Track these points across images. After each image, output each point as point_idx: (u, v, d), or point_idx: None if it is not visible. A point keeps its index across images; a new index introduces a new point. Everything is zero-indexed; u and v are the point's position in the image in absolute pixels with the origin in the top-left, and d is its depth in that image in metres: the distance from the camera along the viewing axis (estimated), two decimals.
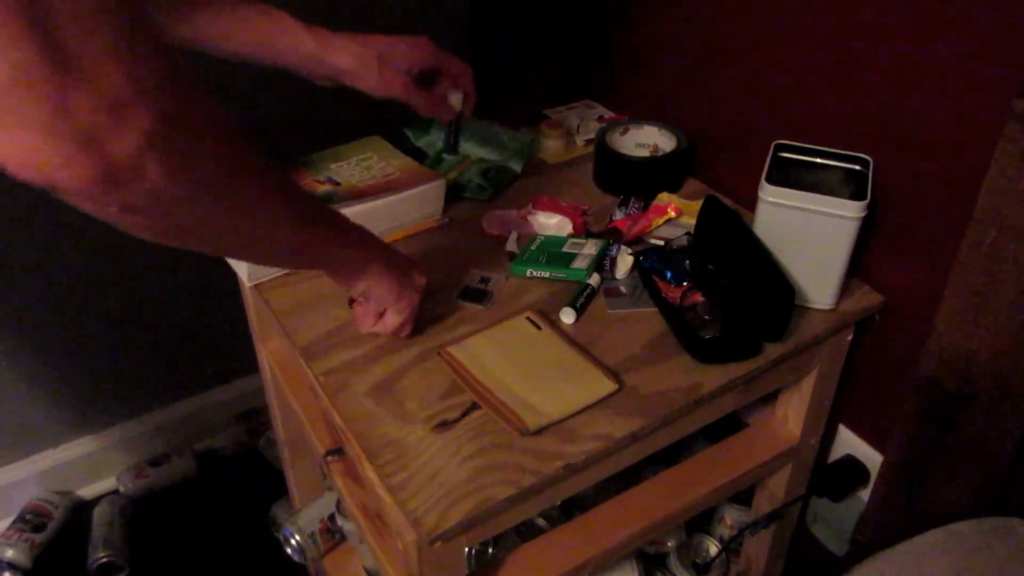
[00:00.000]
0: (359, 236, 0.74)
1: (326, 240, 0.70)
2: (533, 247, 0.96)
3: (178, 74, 0.45)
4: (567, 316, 0.86)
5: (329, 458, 0.93)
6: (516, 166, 1.11)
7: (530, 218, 1.01)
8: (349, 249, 0.73)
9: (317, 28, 0.88)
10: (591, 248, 0.94)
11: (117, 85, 0.41)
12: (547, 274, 0.92)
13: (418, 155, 1.15)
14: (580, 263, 0.92)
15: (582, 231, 1.00)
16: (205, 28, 0.85)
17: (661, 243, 0.96)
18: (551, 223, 1.01)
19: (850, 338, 0.94)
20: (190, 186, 0.49)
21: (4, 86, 0.38)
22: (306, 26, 0.87)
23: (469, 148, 1.15)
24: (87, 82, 0.40)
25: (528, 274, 0.92)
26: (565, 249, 0.95)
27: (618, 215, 1.01)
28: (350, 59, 0.87)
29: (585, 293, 0.89)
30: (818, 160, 0.88)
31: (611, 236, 0.98)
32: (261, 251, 0.66)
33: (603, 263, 0.93)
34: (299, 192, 0.72)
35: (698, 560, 1.20)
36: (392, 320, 0.80)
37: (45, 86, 0.39)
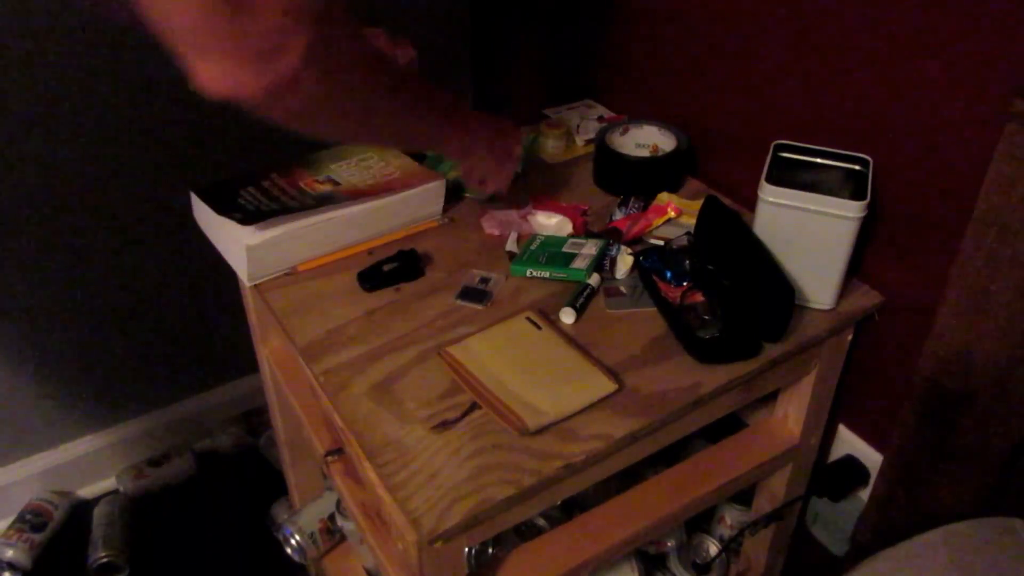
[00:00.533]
0: (465, 125, 0.86)
1: (439, 129, 0.83)
2: (533, 247, 0.96)
3: (326, 9, 0.56)
4: (567, 316, 0.86)
5: (329, 458, 0.93)
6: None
7: (530, 218, 1.01)
8: (455, 136, 0.86)
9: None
10: (591, 248, 0.94)
11: (279, 17, 0.52)
12: (547, 274, 0.92)
13: (418, 154, 1.15)
14: (580, 263, 0.92)
15: (582, 231, 1.00)
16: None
17: (661, 243, 0.96)
18: (551, 223, 1.01)
19: (850, 338, 0.94)
20: (336, 91, 0.61)
21: (197, 23, 0.51)
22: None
23: None
24: (257, 16, 0.51)
25: (528, 274, 0.92)
26: (565, 249, 0.95)
27: (618, 215, 1.01)
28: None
29: (585, 293, 0.89)
30: (818, 160, 0.88)
31: (611, 236, 0.98)
32: (385, 137, 0.82)
33: (603, 263, 0.93)
34: (421, 93, 0.79)
35: (698, 560, 1.20)
36: (491, 187, 0.97)
37: (226, 22, 0.51)
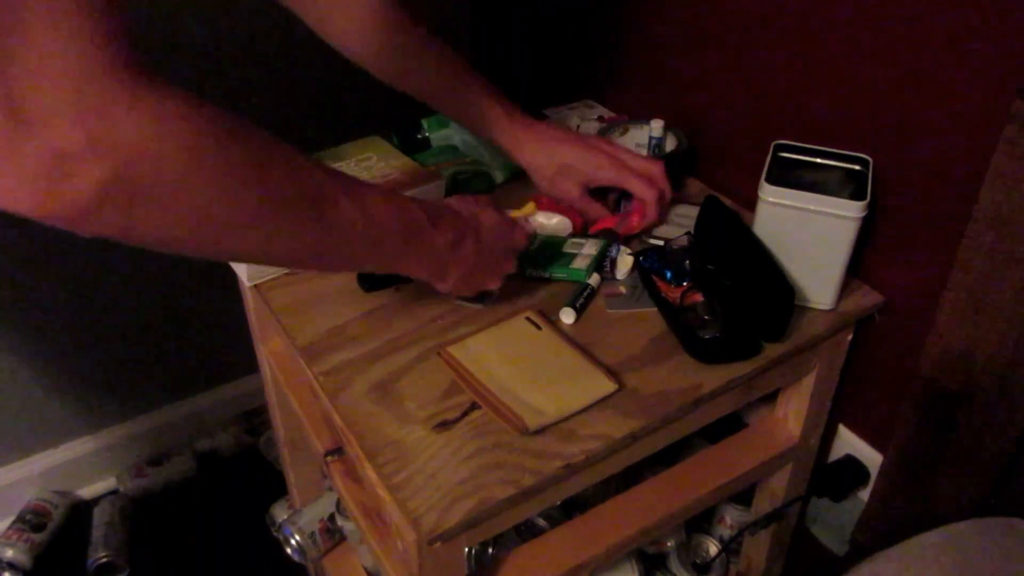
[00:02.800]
0: (430, 242, 0.71)
1: (395, 250, 0.68)
2: (533, 247, 0.96)
3: (152, 134, 0.45)
4: (567, 316, 0.86)
5: (329, 458, 0.93)
6: (500, 175, 1.11)
7: (530, 218, 1.01)
8: (419, 256, 0.71)
9: (515, 118, 0.94)
10: (591, 248, 0.94)
11: (65, 140, 0.41)
12: (547, 274, 0.92)
13: (421, 145, 1.15)
14: (580, 263, 0.92)
15: (581, 230, 1.00)
16: (417, 81, 0.92)
17: (661, 243, 0.96)
18: (551, 223, 1.01)
19: (850, 338, 0.94)
20: (164, 231, 0.49)
21: None
22: (508, 114, 0.93)
23: (464, 147, 1.15)
24: (34, 131, 0.41)
25: (528, 274, 0.92)
26: (565, 249, 0.95)
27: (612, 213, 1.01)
28: (530, 163, 0.95)
29: (585, 293, 0.89)
30: (818, 160, 0.88)
31: (608, 237, 0.98)
32: (290, 259, 0.65)
33: (603, 263, 0.93)
34: (338, 198, 0.62)
35: (698, 560, 1.20)
36: (492, 283, 0.82)
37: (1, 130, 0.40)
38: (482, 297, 0.89)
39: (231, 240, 0.54)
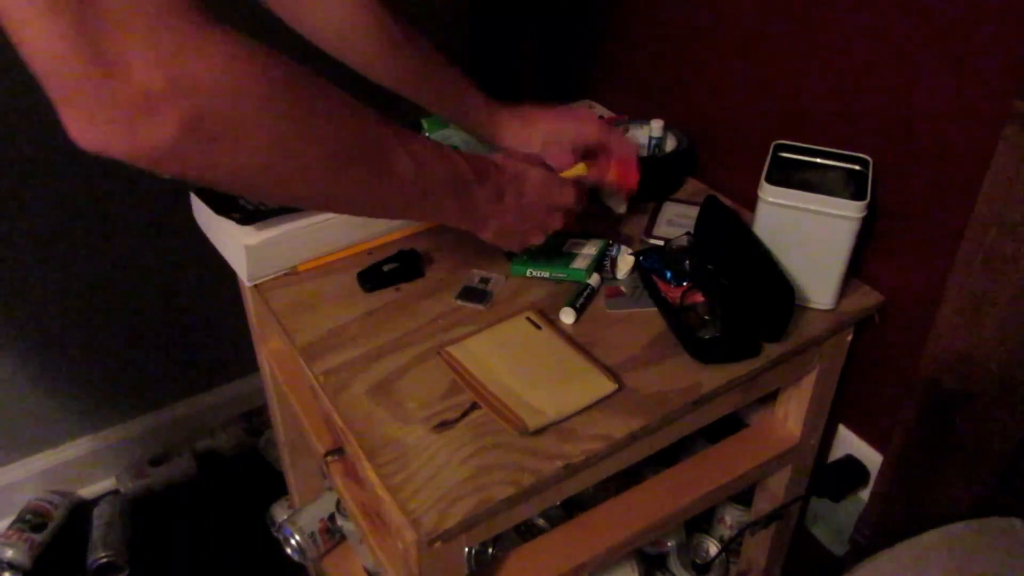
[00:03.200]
0: (467, 175, 0.72)
1: (416, 197, 0.69)
2: (533, 246, 0.96)
3: (227, 72, 0.47)
4: (567, 316, 0.86)
5: (329, 458, 0.93)
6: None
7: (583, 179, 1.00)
8: (448, 200, 0.72)
9: (493, 103, 0.92)
10: (591, 248, 0.94)
11: (148, 81, 0.44)
12: (547, 274, 0.92)
13: None
14: (580, 263, 0.92)
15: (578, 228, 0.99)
16: (396, 71, 0.90)
17: (661, 243, 0.96)
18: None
19: (850, 338, 0.94)
20: (240, 167, 0.52)
21: (54, 71, 0.43)
22: (485, 100, 0.92)
23: (465, 147, 1.15)
24: (119, 76, 0.43)
25: (528, 274, 0.92)
26: (565, 249, 0.95)
27: None
28: (515, 141, 0.93)
29: (585, 293, 0.89)
30: (818, 160, 0.88)
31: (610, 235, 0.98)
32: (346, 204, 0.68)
33: (603, 263, 0.93)
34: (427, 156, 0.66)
35: (698, 560, 1.20)
36: (536, 238, 0.83)
37: (83, 78, 0.43)
38: (482, 297, 0.89)
39: (300, 180, 0.57)
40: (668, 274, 0.90)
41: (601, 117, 1.24)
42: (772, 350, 0.83)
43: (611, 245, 0.94)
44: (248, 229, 0.89)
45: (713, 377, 0.80)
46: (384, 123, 0.62)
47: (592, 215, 1.04)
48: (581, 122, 0.93)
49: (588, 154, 0.94)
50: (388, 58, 0.89)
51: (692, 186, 1.12)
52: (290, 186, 0.57)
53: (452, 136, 1.18)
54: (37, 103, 1.23)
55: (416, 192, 0.67)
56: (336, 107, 0.58)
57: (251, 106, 0.50)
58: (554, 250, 0.95)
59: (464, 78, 0.92)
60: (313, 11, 0.87)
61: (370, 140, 0.61)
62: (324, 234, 0.94)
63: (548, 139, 0.92)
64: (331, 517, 1.17)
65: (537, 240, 0.83)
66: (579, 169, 0.90)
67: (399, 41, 0.89)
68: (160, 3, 0.44)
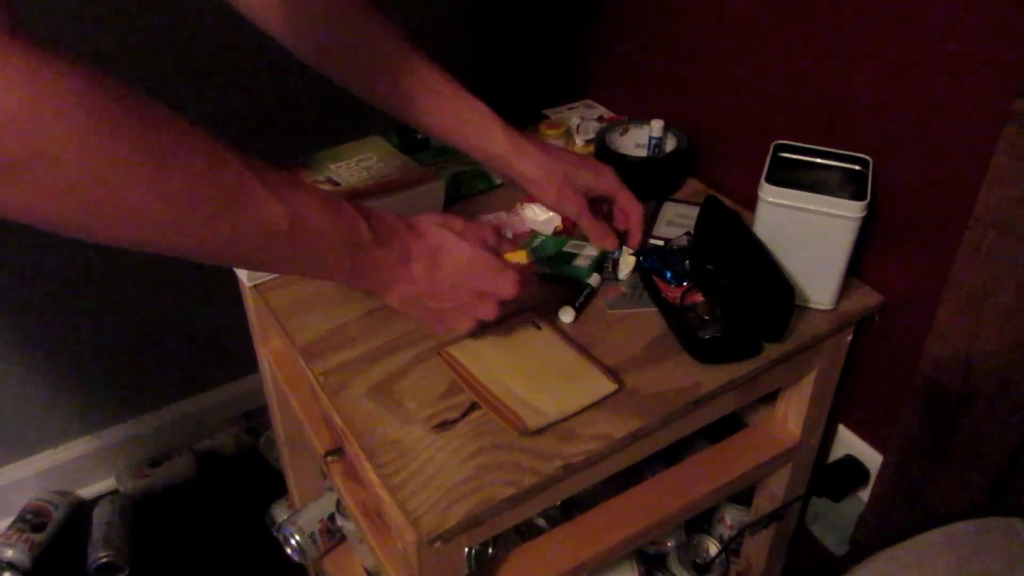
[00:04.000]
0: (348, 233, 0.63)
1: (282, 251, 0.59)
2: (534, 244, 0.96)
3: (21, 98, 0.41)
4: (566, 315, 0.86)
5: (329, 458, 0.93)
6: (497, 177, 1.11)
7: (520, 210, 1.01)
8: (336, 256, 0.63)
9: (512, 130, 0.86)
10: (592, 250, 0.94)
11: None
12: (547, 270, 0.92)
13: (421, 145, 1.14)
14: (581, 262, 0.92)
15: (571, 229, 0.99)
16: (401, 100, 0.84)
17: (661, 243, 0.96)
18: (540, 219, 1.00)
19: (850, 338, 0.94)
20: (46, 208, 0.46)
21: None
22: (503, 125, 0.86)
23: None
24: None
25: None
26: (566, 249, 0.95)
27: None
28: (538, 171, 0.86)
29: (585, 293, 0.89)
30: (818, 160, 0.88)
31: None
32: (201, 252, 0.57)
33: (604, 263, 0.93)
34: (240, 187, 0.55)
35: (698, 560, 1.20)
36: (461, 324, 0.73)
37: None
38: None
39: (131, 228, 0.50)
40: (668, 274, 0.90)
41: (601, 117, 1.24)
42: (772, 350, 0.83)
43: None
44: None
45: (713, 377, 0.80)
46: (253, 167, 0.55)
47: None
48: (599, 170, 0.90)
49: (595, 202, 0.90)
50: (379, 72, 0.83)
51: (692, 186, 1.12)
52: (126, 231, 0.50)
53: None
54: None
55: (292, 246, 0.59)
56: (180, 145, 0.50)
57: (54, 140, 0.43)
58: (556, 249, 0.95)
59: (477, 100, 0.86)
60: (295, 17, 0.80)
61: (225, 184, 0.53)
62: None
63: (567, 181, 0.87)
64: (331, 517, 1.17)
65: (463, 327, 0.73)
66: (520, 256, 0.77)
67: (394, 52, 0.83)
68: None
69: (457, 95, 0.85)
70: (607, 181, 0.90)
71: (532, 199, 1.00)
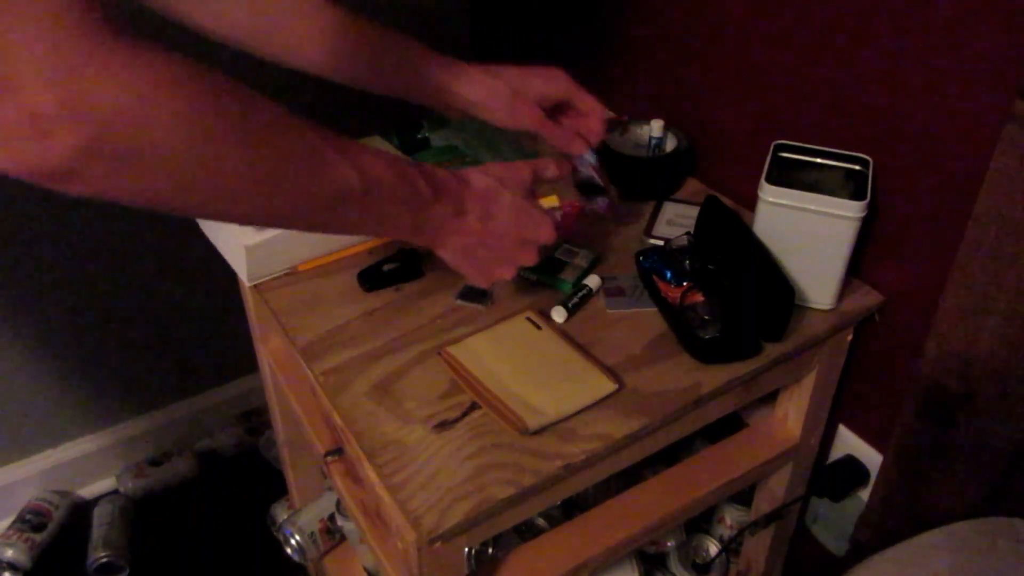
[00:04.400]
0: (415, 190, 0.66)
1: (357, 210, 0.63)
2: (558, 246, 0.96)
3: (131, 93, 0.43)
4: (558, 315, 0.86)
5: (329, 458, 0.93)
6: (451, 115, 1.10)
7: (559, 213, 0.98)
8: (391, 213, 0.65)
9: (448, 58, 0.85)
10: (582, 260, 0.94)
11: (37, 104, 0.41)
12: (534, 277, 0.92)
13: (421, 145, 1.14)
14: (569, 274, 0.92)
15: (569, 227, 0.97)
16: (325, 55, 0.82)
17: (661, 243, 0.96)
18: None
19: (850, 338, 0.94)
20: (156, 189, 0.48)
21: None
22: (438, 56, 0.84)
23: (465, 147, 1.15)
24: (7, 96, 0.41)
25: (520, 273, 0.92)
26: (558, 255, 0.95)
27: None
28: (482, 91, 0.85)
29: (580, 294, 0.89)
30: (818, 160, 0.88)
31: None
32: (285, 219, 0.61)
33: (590, 272, 0.93)
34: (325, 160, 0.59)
35: (698, 560, 1.20)
36: (505, 272, 0.75)
37: None
38: (482, 297, 0.89)
39: (223, 202, 0.54)
40: (668, 274, 0.90)
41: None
42: (772, 350, 0.83)
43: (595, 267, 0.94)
44: (248, 229, 0.89)
45: (713, 377, 0.80)
46: (325, 136, 0.58)
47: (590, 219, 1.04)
48: (549, 75, 0.87)
49: (556, 108, 0.89)
50: (320, 39, 0.82)
51: (692, 186, 1.12)
52: (217, 205, 0.54)
53: (453, 136, 1.18)
54: None
55: (365, 206, 0.63)
56: (266, 123, 0.54)
57: (161, 134, 0.46)
58: (546, 253, 0.95)
59: (414, 40, 0.84)
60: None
61: (306, 155, 0.57)
62: (324, 234, 0.94)
63: (516, 94, 0.86)
64: (331, 517, 1.17)
65: (506, 274, 0.76)
66: (552, 200, 0.83)
67: (331, 18, 0.82)
68: (57, 15, 0.40)
69: (385, 35, 0.84)
70: (559, 83, 0.88)
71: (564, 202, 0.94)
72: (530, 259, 0.76)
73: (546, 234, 0.75)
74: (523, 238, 0.74)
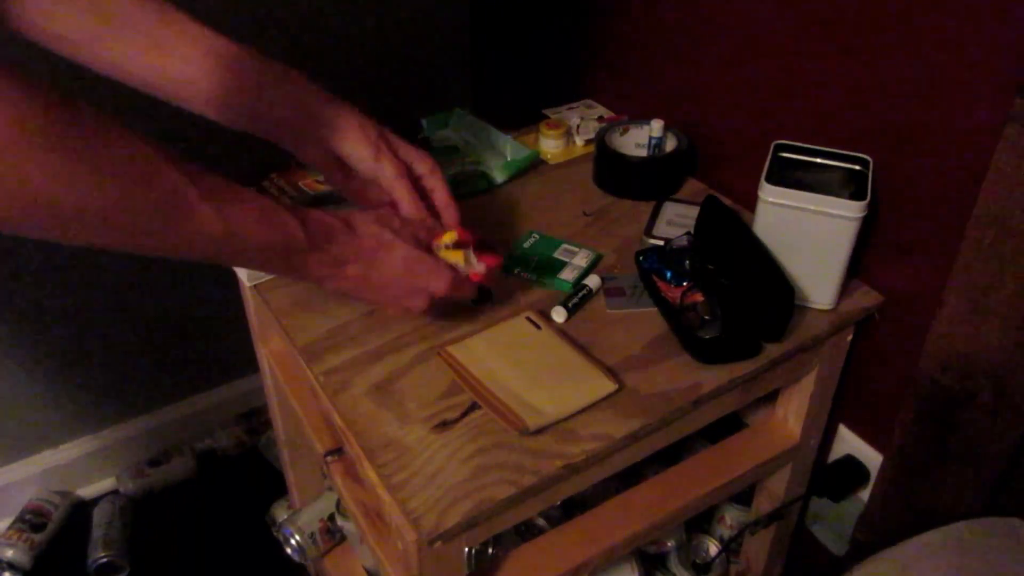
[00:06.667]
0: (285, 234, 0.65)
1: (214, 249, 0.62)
2: (526, 245, 0.96)
3: None
4: (558, 315, 0.86)
5: (329, 458, 0.93)
6: (500, 175, 1.11)
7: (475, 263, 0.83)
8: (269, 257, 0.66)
9: (336, 105, 0.81)
10: (581, 258, 0.94)
11: None
12: (533, 277, 0.92)
13: (421, 145, 1.15)
14: (568, 274, 0.92)
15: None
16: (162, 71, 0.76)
17: (661, 243, 0.96)
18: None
19: (850, 338, 0.94)
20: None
21: None
22: (320, 91, 0.81)
23: (465, 147, 1.15)
24: None
25: (515, 272, 0.92)
26: (556, 255, 0.95)
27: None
28: (354, 125, 0.81)
29: (580, 294, 0.89)
30: (818, 160, 0.88)
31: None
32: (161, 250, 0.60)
33: (590, 272, 0.93)
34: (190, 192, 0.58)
35: (698, 560, 1.20)
36: (394, 311, 0.79)
37: None
38: (483, 296, 0.89)
39: (66, 229, 0.52)
40: (668, 274, 0.90)
41: (601, 117, 1.24)
42: (772, 350, 0.83)
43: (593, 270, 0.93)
44: None
45: (713, 377, 0.80)
46: (190, 177, 0.57)
47: (592, 213, 1.04)
48: (421, 155, 0.84)
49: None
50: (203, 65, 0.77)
51: (692, 186, 1.12)
52: (65, 233, 0.52)
53: (453, 136, 1.18)
54: None
55: (224, 250, 0.63)
56: (118, 156, 0.53)
57: (11, 155, 0.46)
58: (547, 254, 0.95)
59: (294, 73, 0.80)
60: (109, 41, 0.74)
61: (162, 196, 0.56)
62: None
63: (383, 135, 0.82)
64: (331, 517, 1.17)
65: (394, 313, 0.79)
66: (456, 256, 0.78)
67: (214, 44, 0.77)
68: None
69: (246, 56, 0.78)
70: (425, 164, 0.84)
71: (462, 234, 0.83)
72: (419, 306, 0.77)
73: (439, 286, 0.75)
74: (414, 287, 0.75)
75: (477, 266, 0.80)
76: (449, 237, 0.79)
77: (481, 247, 0.82)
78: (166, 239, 0.58)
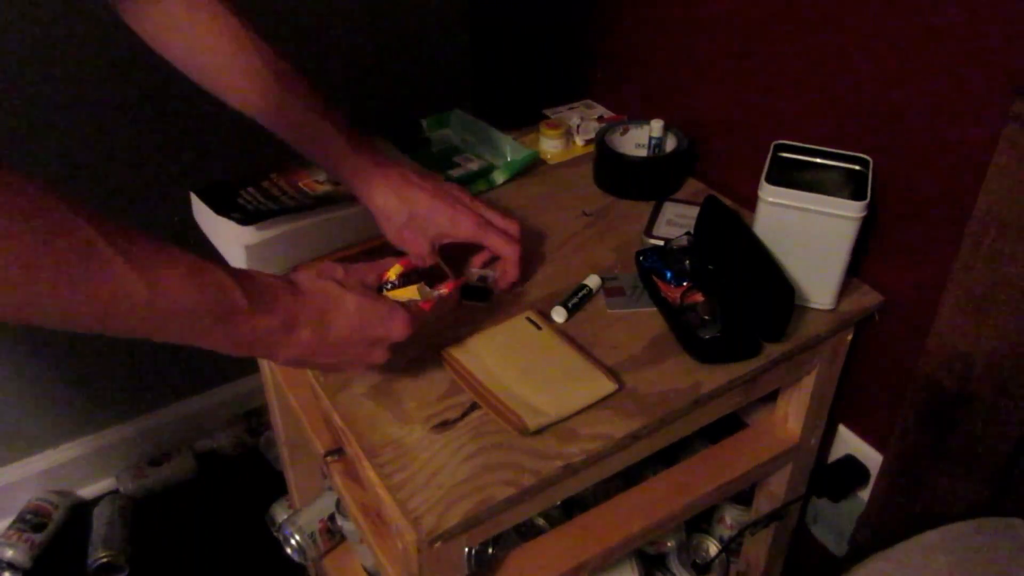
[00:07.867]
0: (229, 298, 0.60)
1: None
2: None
3: None
4: (558, 315, 0.86)
5: (329, 458, 0.93)
6: (500, 175, 1.11)
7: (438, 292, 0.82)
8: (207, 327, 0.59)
9: (363, 151, 0.83)
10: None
11: None
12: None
13: (421, 145, 1.15)
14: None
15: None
16: (255, 100, 0.81)
17: (661, 243, 0.96)
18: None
19: (850, 338, 0.94)
20: None
21: None
22: (352, 147, 0.83)
23: (465, 147, 1.15)
24: None
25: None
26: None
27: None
28: (379, 201, 0.84)
29: (580, 294, 0.89)
30: (818, 160, 0.88)
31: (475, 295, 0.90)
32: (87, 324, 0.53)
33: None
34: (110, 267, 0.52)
35: (698, 560, 1.20)
36: (356, 371, 0.75)
37: None
38: (482, 295, 0.89)
39: None
40: (668, 274, 0.90)
41: (601, 117, 1.24)
42: (772, 350, 0.83)
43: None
44: (248, 229, 0.89)
45: (713, 377, 0.80)
46: (110, 239, 0.52)
47: (592, 213, 1.04)
48: (458, 217, 0.85)
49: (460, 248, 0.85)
50: (262, 97, 0.81)
51: (692, 186, 1.12)
52: None
53: (453, 136, 1.18)
54: (39, 112, 1.24)
55: (153, 317, 0.55)
56: (18, 214, 0.48)
57: None
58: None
59: (330, 118, 0.82)
60: (183, 36, 0.80)
61: (73, 256, 0.50)
62: (324, 234, 0.94)
63: (412, 224, 0.84)
64: (331, 517, 1.17)
65: (357, 373, 0.76)
66: (410, 292, 0.76)
67: (272, 80, 0.81)
68: None
69: (309, 109, 0.82)
70: (465, 228, 0.85)
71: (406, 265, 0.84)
72: (380, 358, 0.72)
73: (398, 330, 0.70)
74: (372, 338, 0.70)
75: (430, 295, 0.77)
76: (394, 272, 0.76)
77: (434, 275, 0.79)
78: (83, 304, 0.51)
